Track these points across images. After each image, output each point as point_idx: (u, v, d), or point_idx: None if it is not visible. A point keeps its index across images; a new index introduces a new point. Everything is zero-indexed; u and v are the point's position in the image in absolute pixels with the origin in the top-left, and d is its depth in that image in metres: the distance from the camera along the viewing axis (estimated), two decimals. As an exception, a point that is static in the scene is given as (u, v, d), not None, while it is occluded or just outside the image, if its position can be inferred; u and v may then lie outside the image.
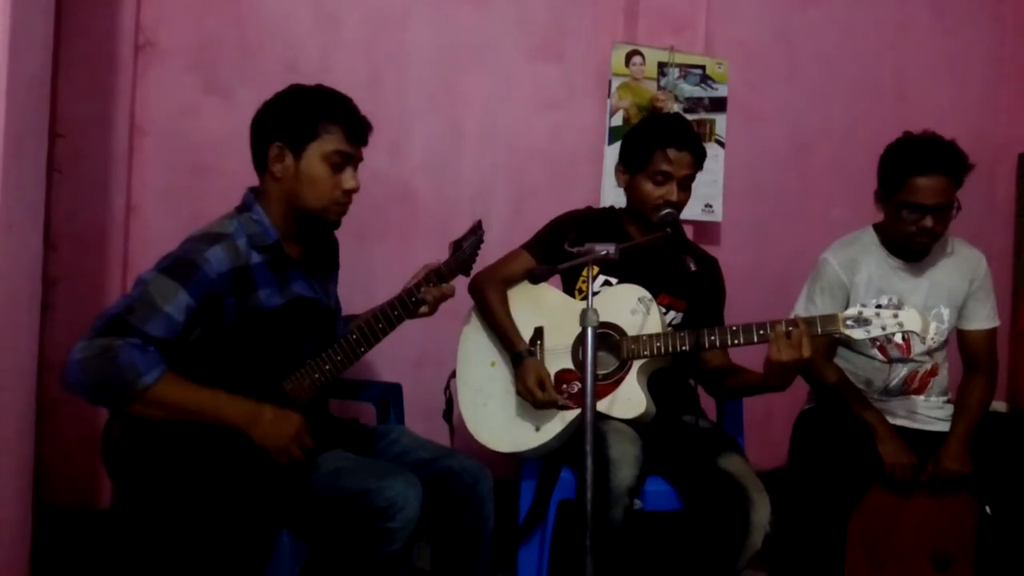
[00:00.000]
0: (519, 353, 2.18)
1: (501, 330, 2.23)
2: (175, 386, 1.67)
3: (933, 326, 2.28)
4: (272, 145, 1.83)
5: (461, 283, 2.19)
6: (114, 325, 1.65)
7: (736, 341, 2.02)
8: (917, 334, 1.94)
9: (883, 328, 1.92)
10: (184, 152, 2.71)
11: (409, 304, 1.98)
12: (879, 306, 2.14)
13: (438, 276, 2.02)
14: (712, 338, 2.04)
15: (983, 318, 2.34)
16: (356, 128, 1.88)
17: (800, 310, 2.37)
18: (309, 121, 1.83)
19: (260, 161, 1.87)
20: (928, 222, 2.18)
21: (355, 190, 1.89)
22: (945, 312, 2.32)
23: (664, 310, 2.23)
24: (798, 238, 3.24)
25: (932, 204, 2.17)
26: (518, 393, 2.17)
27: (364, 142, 1.92)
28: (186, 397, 1.69)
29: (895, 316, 1.92)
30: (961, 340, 2.37)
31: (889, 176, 2.25)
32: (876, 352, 2.33)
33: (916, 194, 2.17)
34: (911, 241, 2.23)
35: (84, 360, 1.61)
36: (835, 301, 2.32)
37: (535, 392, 2.11)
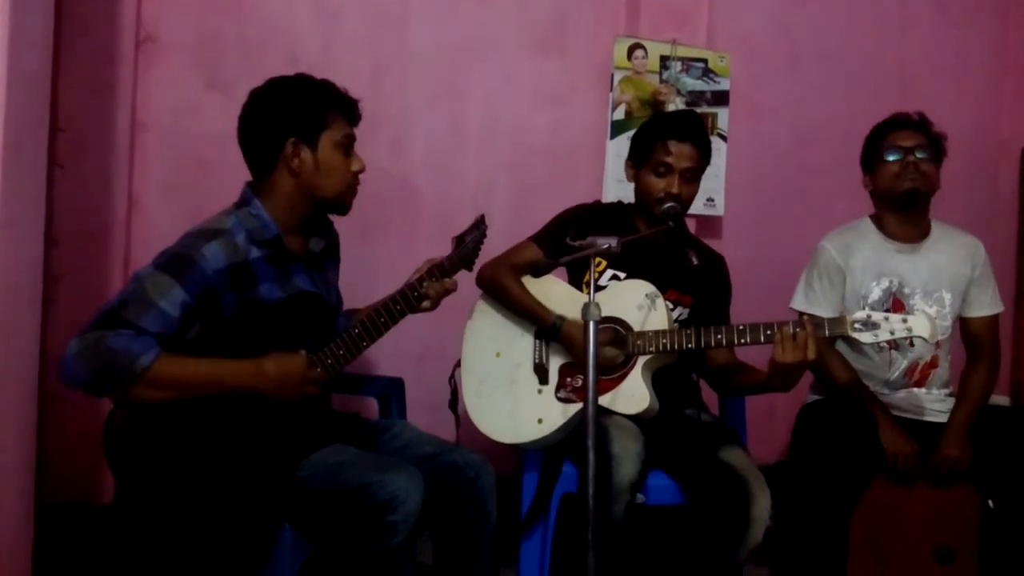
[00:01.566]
0: (553, 323, 2.17)
1: (526, 308, 2.22)
2: (172, 362, 1.68)
3: (934, 310, 2.29)
4: (288, 142, 1.82)
5: (464, 277, 2.19)
6: (108, 319, 1.65)
7: (743, 340, 2.01)
8: (925, 339, 1.95)
9: (891, 332, 1.92)
10: (185, 147, 2.71)
11: (411, 298, 1.98)
12: (883, 299, 2.15)
13: (440, 271, 2.02)
14: (719, 337, 2.04)
15: (986, 304, 2.35)
16: (353, 110, 1.92)
17: (799, 297, 2.38)
18: (317, 111, 1.84)
19: (269, 159, 1.85)
20: (912, 158, 2.26)
21: (363, 170, 1.92)
22: (947, 297, 2.32)
23: (671, 306, 2.22)
24: (800, 232, 3.21)
25: (912, 145, 2.27)
26: (577, 355, 2.15)
27: (358, 122, 1.95)
28: (185, 371, 1.70)
29: (904, 320, 1.92)
30: (964, 327, 2.38)
31: (869, 149, 2.39)
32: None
33: (895, 140, 2.31)
34: (902, 179, 2.27)
35: (79, 354, 1.62)
36: (833, 286, 2.33)
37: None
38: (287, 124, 1.83)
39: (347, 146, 1.89)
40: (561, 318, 2.17)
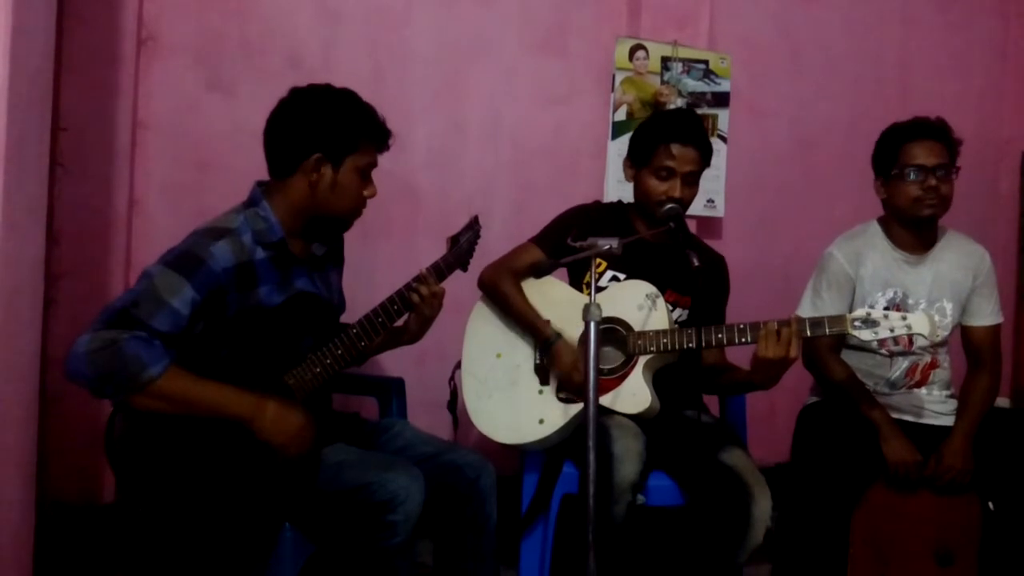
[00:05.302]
0: (548, 338, 2.16)
1: (523, 318, 2.22)
2: (179, 379, 1.67)
3: (937, 319, 2.28)
4: (313, 155, 1.82)
5: (464, 279, 2.19)
6: (119, 318, 1.65)
7: (743, 340, 2.01)
8: (925, 337, 1.95)
9: (891, 330, 1.92)
10: (186, 147, 2.71)
11: (408, 297, 1.98)
12: (887, 308, 2.15)
13: (436, 272, 2.03)
14: (719, 336, 2.04)
15: (987, 314, 2.33)
16: (385, 141, 1.93)
17: (807, 305, 2.36)
18: (352, 136, 1.85)
19: (290, 164, 1.85)
20: (932, 181, 2.21)
21: (374, 195, 1.93)
22: (948, 306, 2.32)
23: (671, 307, 2.22)
24: (801, 234, 3.24)
25: (932, 164, 2.21)
26: (559, 377, 2.15)
27: (385, 151, 1.95)
28: (190, 390, 1.69)
29: (903, 319, 1.92)
30: (965, 336, 2.36)
31: (884, 153, 2.31)
32: (876, 345, 2.32)
33: (914, 157, 2.23)
34: (921, 205, 2.23)
35: (89, 352, 1.61)
36: (842, 295, 2.32)
37: (574, 374, 2.10)
38: (318, 138, 1.82)
39: (366, 172, 1.90)
40: (558, 335, 2.16)
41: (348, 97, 1.88)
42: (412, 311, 2.02)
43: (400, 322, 2.05)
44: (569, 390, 2.14)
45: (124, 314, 1.66)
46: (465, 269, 2.16)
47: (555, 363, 2.15)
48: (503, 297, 2.25)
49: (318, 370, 1.87)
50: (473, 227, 2.15)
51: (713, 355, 2.26)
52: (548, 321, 2.20)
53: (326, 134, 1.82)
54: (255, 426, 1.72)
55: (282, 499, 1.77)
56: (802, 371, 2.34)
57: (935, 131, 2.26)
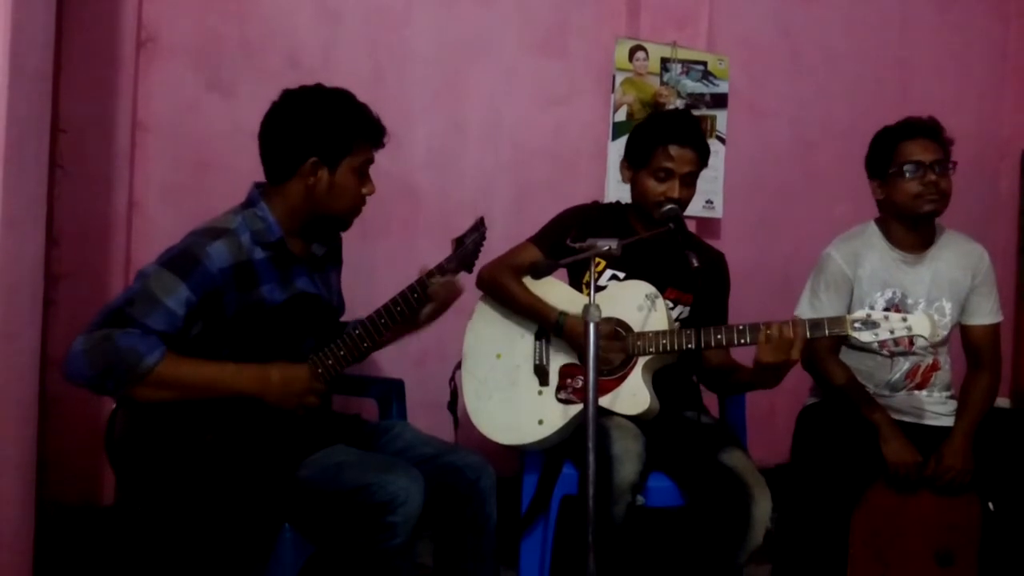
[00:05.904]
0: (557, 321, 2.16)
1: (529, 307, 2.21)
2: (178, 363, 1.68)
3: (936, 318, 2.28)
4: (309, 160, 1.82)
5: (464, 280, 2.18)
6: (114, 318, 1.66)
7: (743, 341, 2.01)
8: (925, 338, 1.95)
9: (891, 332, 1.92)
10: (186, 148, 2.71)
11: (412, 300, 1.98)
12: (886, 308, 2.15)
13: (440, 272, 2.03)
14: (719, 337, 2.04)
15: (986, 313, 2.33)
16: (380, 138, 1.93)
17: (804, 305, 2.37)
18: (346, 137, 1.85)
19: (287, 169, 1.85)
20: (932, 176, 2.21)
21: (373, 193, 1.93)
22: (947, 306, 2.32)
23: (671, 305, 2.22)
24: (800, 234, 3.24)
25: (930, 160, 2.22)
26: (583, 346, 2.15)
27: (381, 147, 1.95)
28: (190, 373, 1.70)
29: (904, 320, 1.92)
30: (964, 335, 2.37)
31: (879, 154, 2.32)
32: (877, 346, 2.32)
33: (911, 154, 2.24)
34: (922, 201, 2.23)
35: (86, 351, 1.62)
36: (839, 295, 2.32)
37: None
38: (313, 142, 1.82)
39: (364, 170, 1.90)
40: (564, 314, 2.16)
41: (340, 98, 1.87)
42: (416, 314, 2.01)
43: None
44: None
45: (119, 313, 1.66)
46: (470, 271, 2.15)
47: (574, 339, 2.14)
48: (504, 290, 2.25)
49: (319, 371, 1.87)
50: (479, 228, 2.14)
51: (717, 356, 2.26)
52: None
53: (320, 138, 1.82)
54: (264, 398, 1.74)
55: (281, 500, 1.77)
56: (802, 372, 2.34)
57: (928, 129, 2.27)
